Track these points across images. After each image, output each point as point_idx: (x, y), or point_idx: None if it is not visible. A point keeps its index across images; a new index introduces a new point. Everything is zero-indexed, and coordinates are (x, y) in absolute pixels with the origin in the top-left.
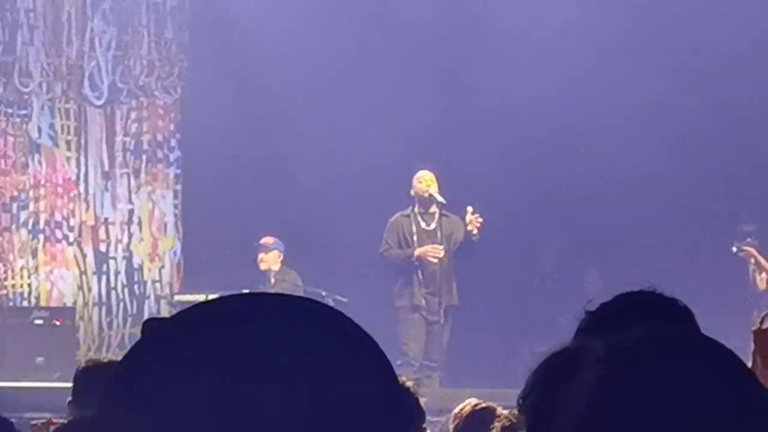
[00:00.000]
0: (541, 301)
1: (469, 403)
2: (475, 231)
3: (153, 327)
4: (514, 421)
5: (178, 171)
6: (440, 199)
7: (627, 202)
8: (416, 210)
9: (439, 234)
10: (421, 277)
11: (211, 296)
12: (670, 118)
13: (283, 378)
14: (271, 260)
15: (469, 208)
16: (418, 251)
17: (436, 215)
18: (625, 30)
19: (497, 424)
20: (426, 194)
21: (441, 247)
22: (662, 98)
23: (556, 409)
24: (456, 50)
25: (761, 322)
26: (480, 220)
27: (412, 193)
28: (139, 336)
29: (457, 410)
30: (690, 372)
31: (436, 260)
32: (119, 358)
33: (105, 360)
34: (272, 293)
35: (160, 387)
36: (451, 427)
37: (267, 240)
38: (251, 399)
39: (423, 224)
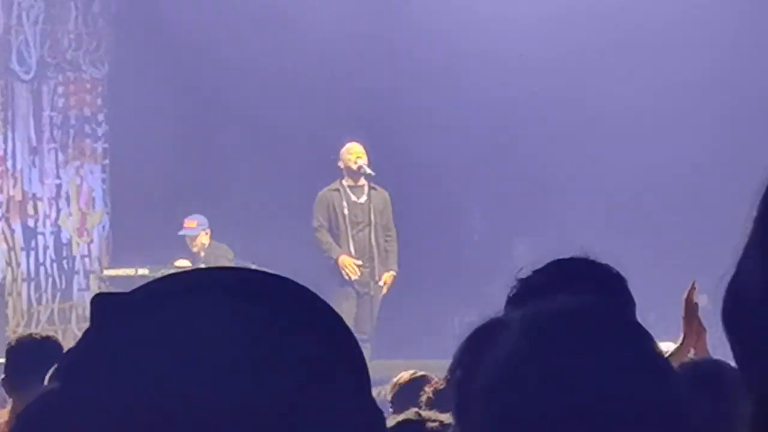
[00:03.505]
0: (470, 271)
1: (407, 372)
2: (385, 290)
3: (110, 302)
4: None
5: (106, 145)
6: (369, 171)
7: (558, 170)
8: (344, 183)
9: (369, 207)
10: (353, 249)
11: (141, 270)
12: (601, 77)
13: (241, 353)
14: (200, 241)
15: (386, 276)
16: (341, 259)
17: (366, 188)
18: None
19: (428, 389)
20: (356, 166)
21: (359, 267)
22: (591, 59)
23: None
24: (386, 14)
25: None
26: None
27: (341, 165)
28: (67, 311)
29: (395, 380)
30: (595, 348)
31: (354, 276)
32: (49, 332)
33: (36, 335)
34: (233, 267)
35: (122, 363)
36: (390, 396)
37: (189, 224)
38: (211, 374)
39: (353, 197)
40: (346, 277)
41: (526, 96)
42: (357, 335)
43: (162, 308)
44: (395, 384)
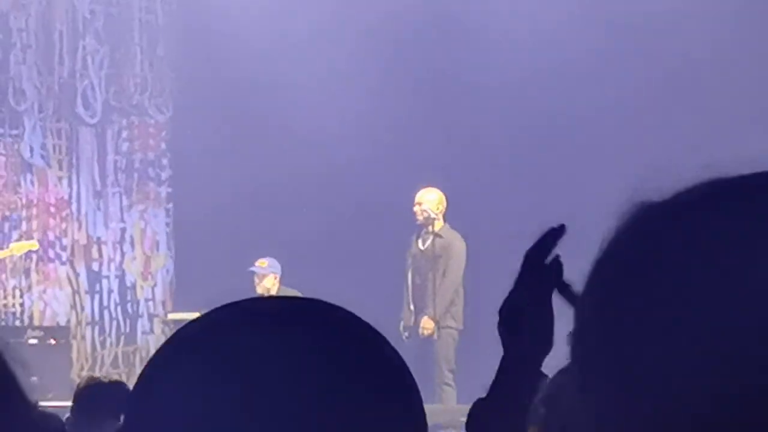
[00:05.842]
0: None
1: None
2: (425, 334)
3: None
4: None
5: (170, 189)
6: (431, 216)
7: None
8: (424, 229)
9: (430, 254)
10: (411, 296)
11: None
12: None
13: (299, 383)
14: (267, 284)
15: (423, 321)
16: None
17: (431, 235)
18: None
19: None
20: (418, 216)
21: (412, 313)
22: (657, 91)
23: None
24: (449, 56)
25: None
26: (428, 329)
27: None
28: (131, 355)
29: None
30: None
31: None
32: (114, 376)
33: (105, 379)
34: (291, 297)
35: (180, 397)
36: None
37: (261, 263)
38: (268, 405)
39: (420, 244)
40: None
41: (601, 145)
42: (437, 380)
43: (213, 343)
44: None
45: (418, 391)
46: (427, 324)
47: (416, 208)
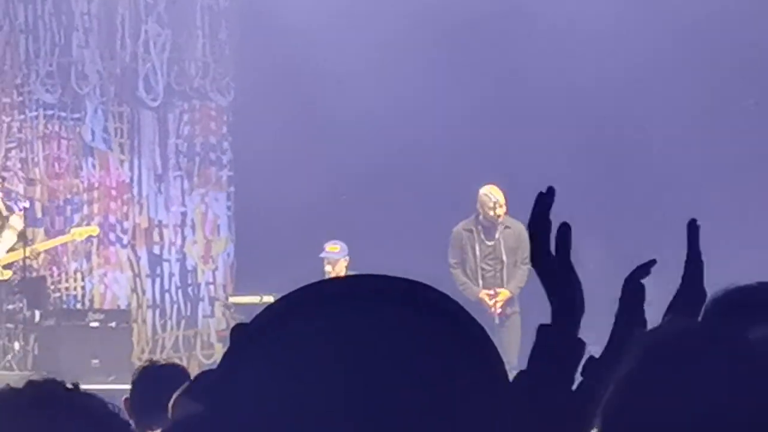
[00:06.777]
0: (593, 302)
1: None
2: (499, 304)
3: (244, 329)
4: None
5: (231, 173)
6: (504, 222)
7: (681, 204)
8: (480, 222)
9: (499, 248)
10: (481, 285)
11: (266, 298)
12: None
13: (388, 361)
14: (337, 270)
15: (501, 291)
16: (481, 293)
17: (499, 228)
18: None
19: None
20: (494, 216)
21: (500, 303)
22: (717, 95)
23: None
24: (511, 45)
25: None
26: (499, 306)
27: (478, 206)
28: (192, 338)
29: None
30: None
31: (497, 310)
32: (174, 359)
33: (162, 361)
34: (391, 276)
35: (268, 379)
36: None
37: (332, 248)
38: (359, 385)
39: (484, 238)
40: (490, 314)
41: (651, 135)
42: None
43: (294, 323)
44: None
45: (500, 359)
46: (502, 297)
47: (498, 210)
